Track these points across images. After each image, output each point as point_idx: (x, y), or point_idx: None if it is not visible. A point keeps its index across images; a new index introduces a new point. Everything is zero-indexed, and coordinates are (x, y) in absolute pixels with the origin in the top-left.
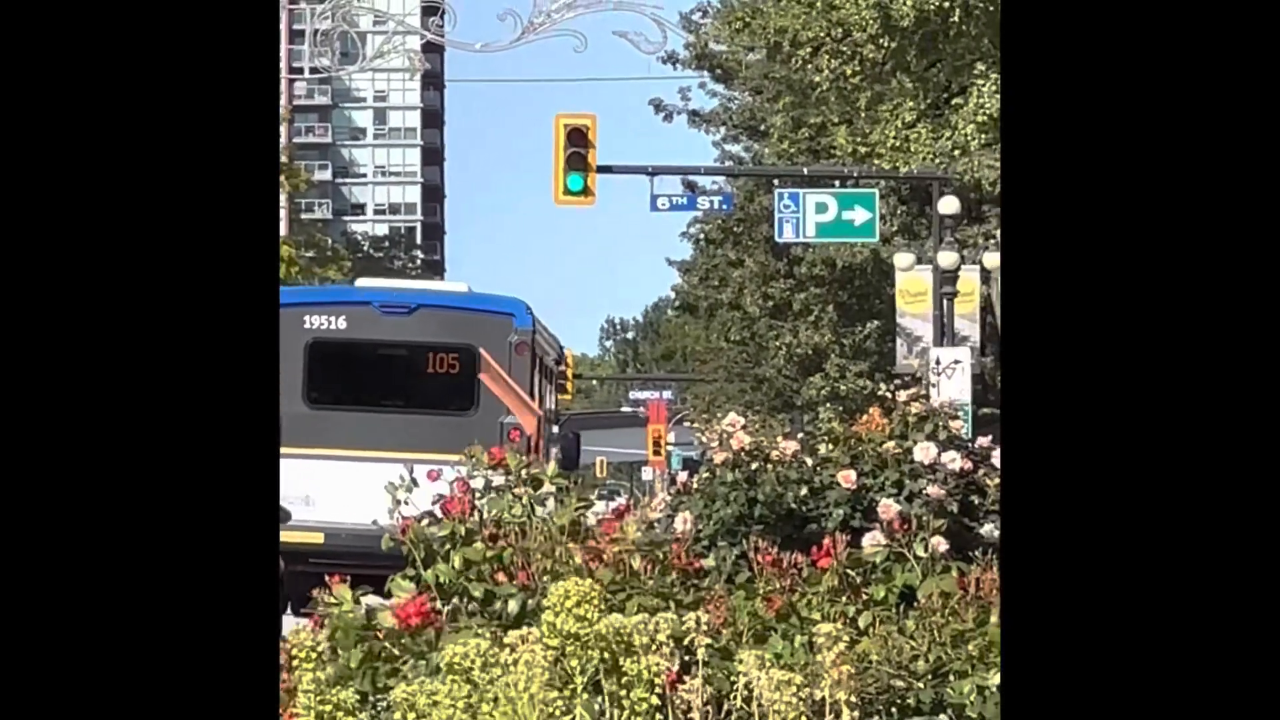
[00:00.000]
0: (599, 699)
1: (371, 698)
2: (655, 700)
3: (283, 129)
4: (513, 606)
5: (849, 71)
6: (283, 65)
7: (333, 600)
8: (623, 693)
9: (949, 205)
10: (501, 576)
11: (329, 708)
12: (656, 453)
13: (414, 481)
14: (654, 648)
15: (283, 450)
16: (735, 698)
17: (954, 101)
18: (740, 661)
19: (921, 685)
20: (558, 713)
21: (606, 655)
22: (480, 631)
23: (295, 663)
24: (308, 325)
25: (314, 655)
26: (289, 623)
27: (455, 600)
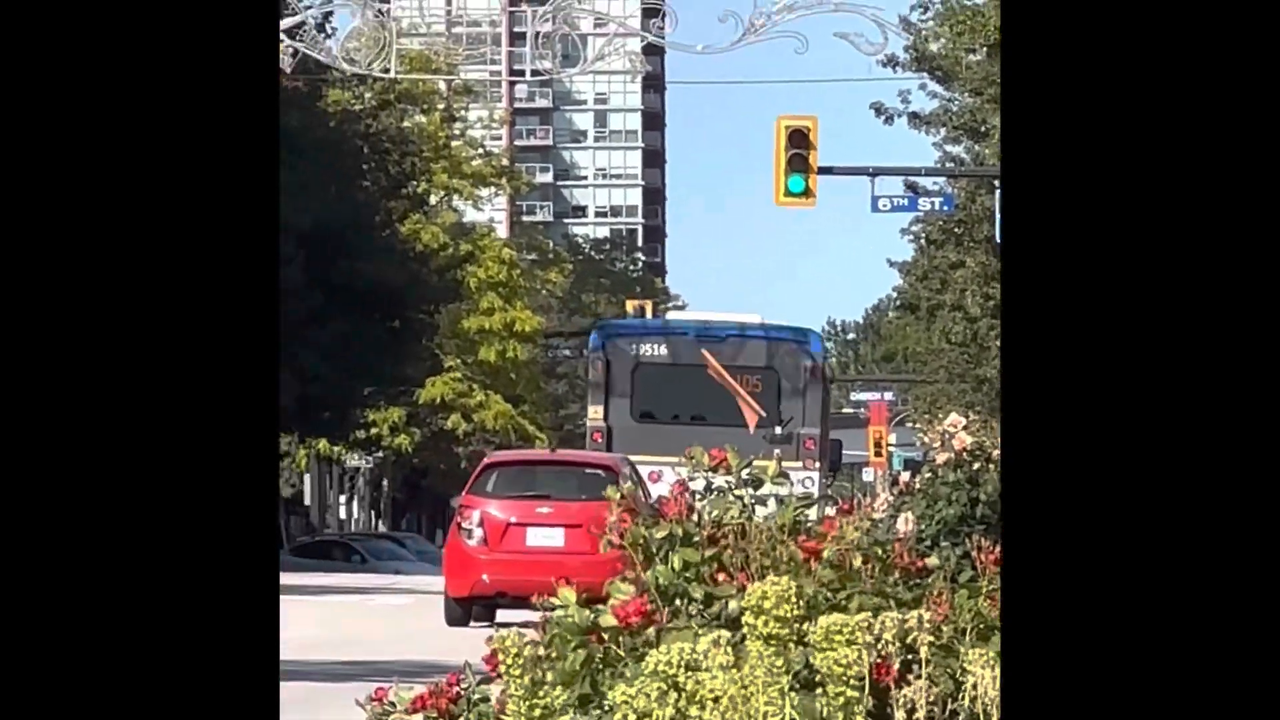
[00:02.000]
0: (811, 695)
1: (593, 699)
2: (869, 701)
3: (504, 132)
4: (733, 607)
5: None
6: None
7: (557, 602)
8: (835, 690)
9: None
10: (722, 577)
11: (538, 713)
12: (878, 454)
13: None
14: (876, 645)
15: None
16: (962, 696)
17: None
18: (965, 660)
19: None
20: (771, 712)
21: (816, 653)
22: (700, 632)
23: (503, 668)
24: (634, 352)
25: (520, 660)
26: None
27: (676, 602)
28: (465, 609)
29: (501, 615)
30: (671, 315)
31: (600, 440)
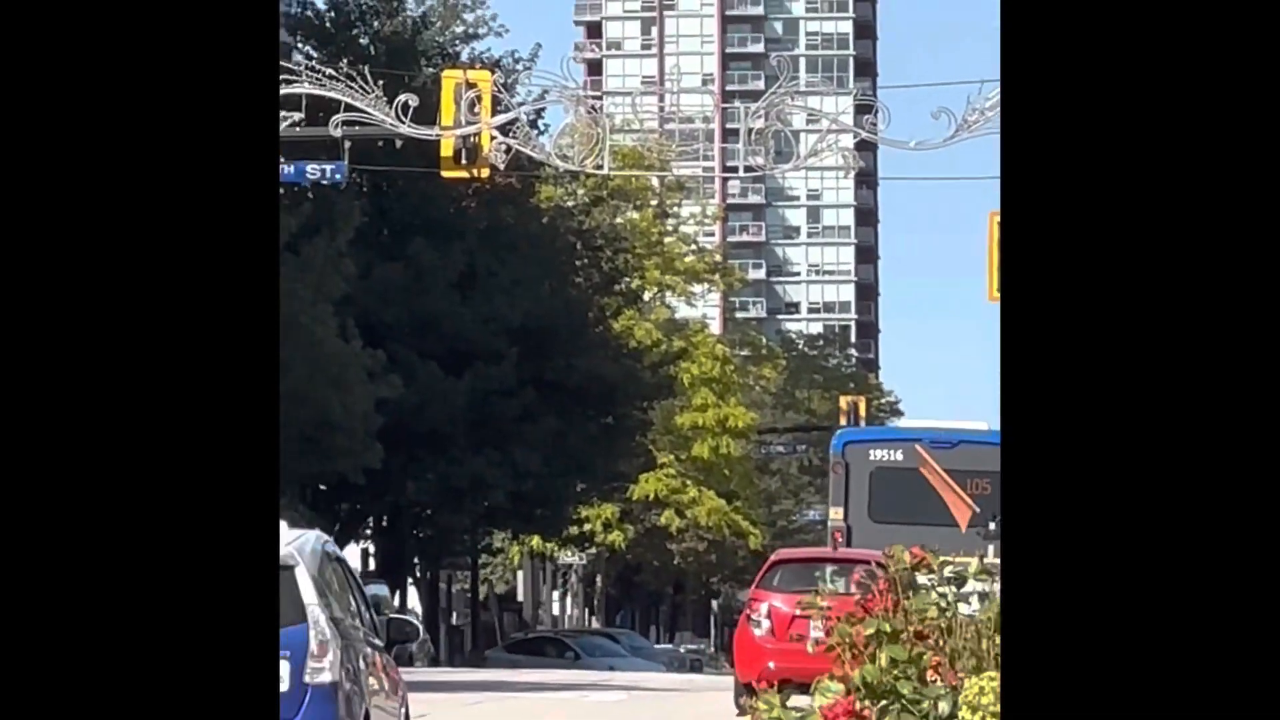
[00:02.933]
0: None
1: None
2: None
3: (716, 228)
4: (943, 708)
5: None
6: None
7: (763, 706)
8: None
9: None
10: (932, 674)
11: None
12: None
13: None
14: None
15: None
16: None
17: None
18: None
19: None
20: None
21: None
22: None
23: None
24: (872, 457)
25: None
26: None
27: (884, 701)
28: (751, 693)
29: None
30: (906, 423)
31: (841, 539)
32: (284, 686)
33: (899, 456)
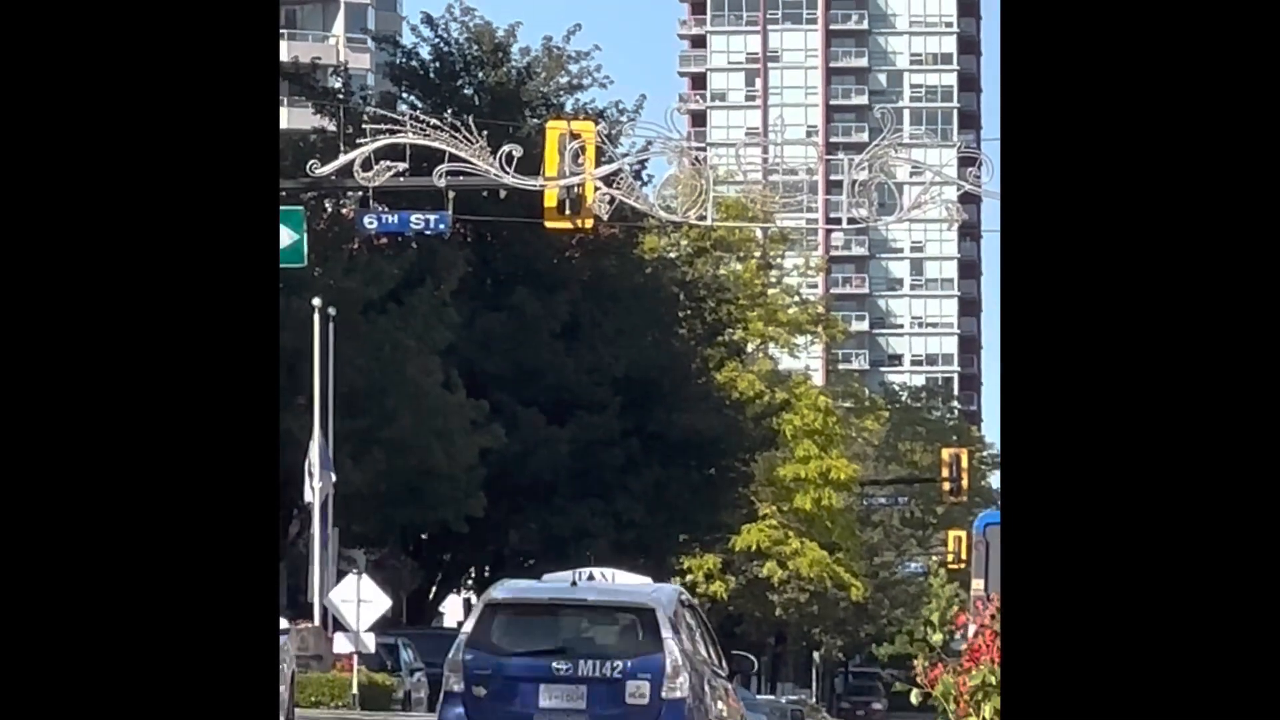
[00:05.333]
0: None
1: None
2: None
3: (820, 279)
4: None
5: None
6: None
7: None
8: None
9: None
10: None
11: None
12: None
13: None
14: None
15: None
16: None
17: None
18: None
19: None
20: None
21: None
22: None
23: None
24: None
25: None
26: None
27: None
28: None
29: None
30: None
31: (981, 608)
32: (644, 702)
33: None
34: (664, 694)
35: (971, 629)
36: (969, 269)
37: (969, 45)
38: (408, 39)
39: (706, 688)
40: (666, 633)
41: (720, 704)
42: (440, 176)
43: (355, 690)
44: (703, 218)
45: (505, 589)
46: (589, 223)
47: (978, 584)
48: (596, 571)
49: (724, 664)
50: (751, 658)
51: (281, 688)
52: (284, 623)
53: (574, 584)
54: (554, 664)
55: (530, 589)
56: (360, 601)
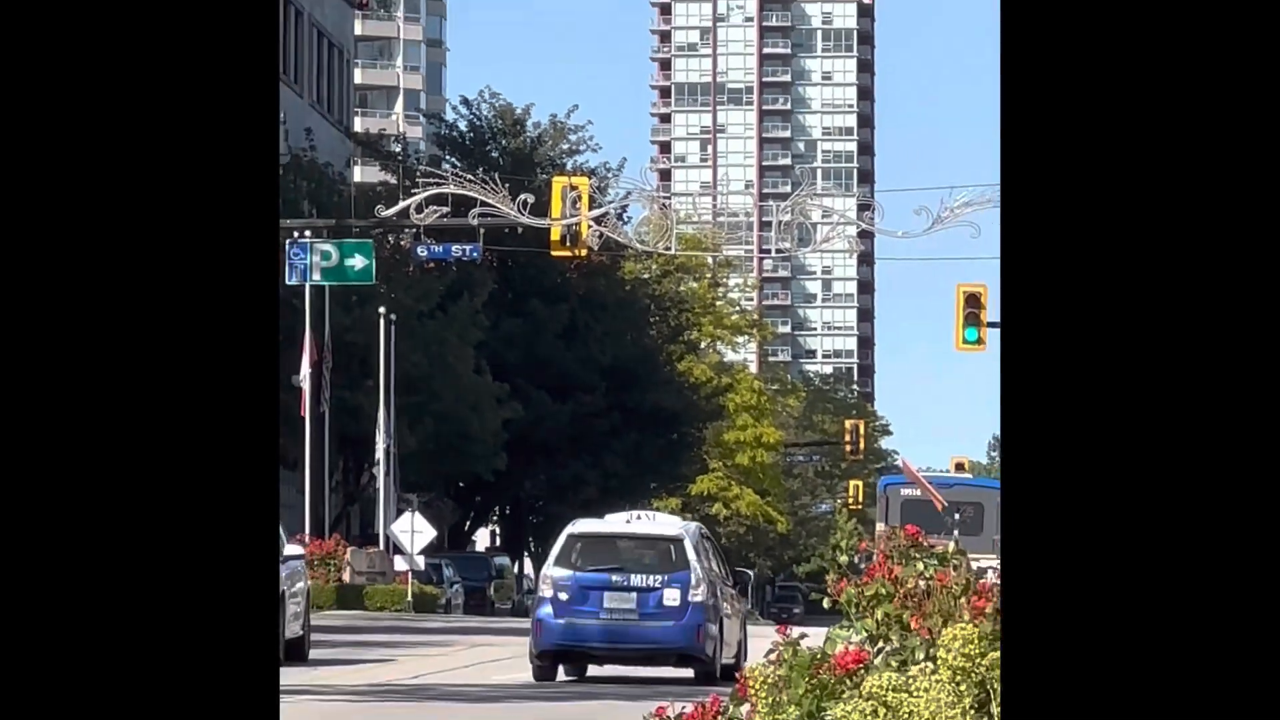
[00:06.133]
0: (981, 713)
1: (817, 716)
2: None
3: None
4: (919, 654)
5: None
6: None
7: (786, 644)
8: (999, 710)
9: None
10: (915, 624)
11: None
12: None
13: None
14: None
15: None
16: None
17: None
18: None
19: None
20: None
21: (989, 684)
22: (895, 667)
23: (751, 692)
24: (902, 494)
25: (765, 687)
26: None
27: (879, 645)
28: None
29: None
30: (929, 474)
31: (883, 541)
32: (676, 604)
33: (916, 493)
34: (689, 599)
35: (874, 556)
36: (865, 286)
37: (865, 120)
38: (450, 115)
39: (718, 594)
40: (691, 556)
41: (727, 605)
42: (474, 217)
43: (410, 598)
44: (668, 249)
45: (580, 525)
46: (584, 252)
47: (880, 526)
48: (643, 513)
49: (730, 577)
50: (749, 572)
51: (298, 603)
52: (354, 546)
53: (628, 521)
54: (613, 577)
55: (597, 525)
56: (414, 532)
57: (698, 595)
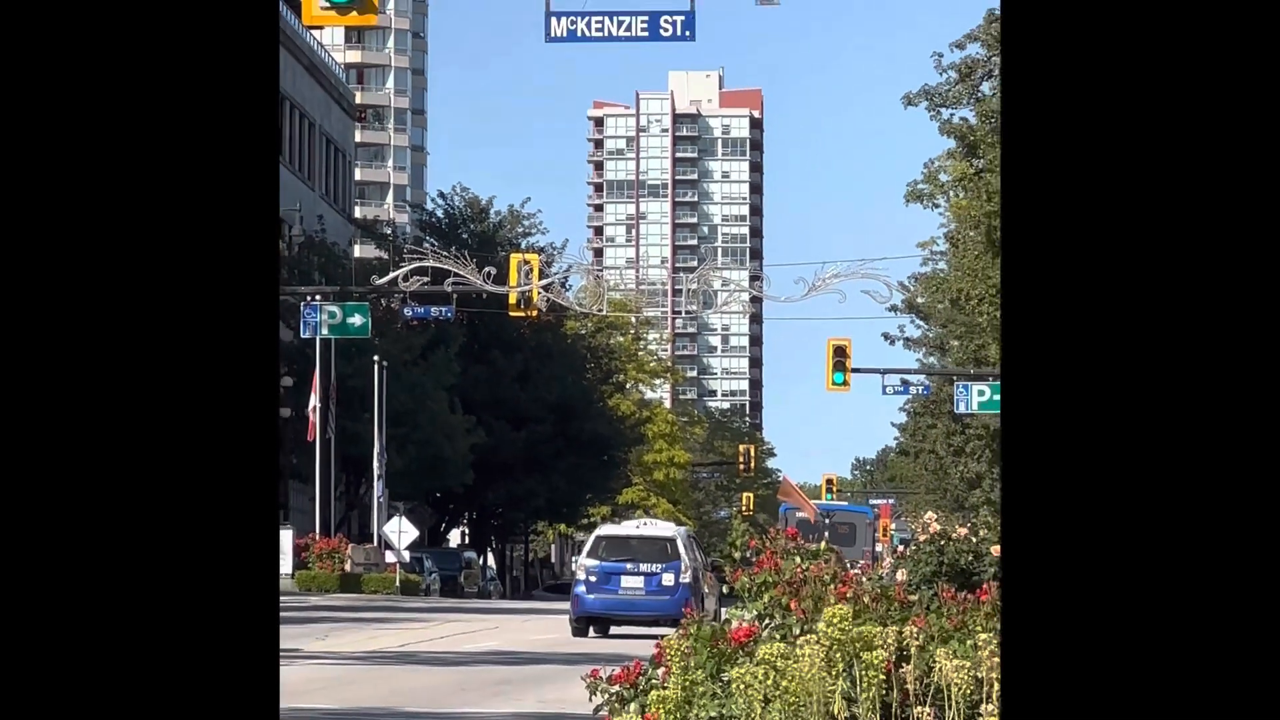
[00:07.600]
0: (853, 677)
1: (717, 678)
2: (882, 677)
3: (668, 346)
4: (796, 630)
5: (999, 314)
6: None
7: (692, 621)
8: (864, 673)
9: None
10: (793, 606)
11: (686, 684)
12: (884, 534)
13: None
14: (882, 646)
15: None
16: (933, 675)
17: None
18: (934, 654)
19: None
20: (827, 687)
21: (854, 651)
22: (779, 639)
23: (668, 655)
24: (797, 516)
25: (679, 653)
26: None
27: (768, 620)
28: None
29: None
30: (824, 504)
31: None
32: (671, 584)
33: (808, 516)
34: (680, 581)
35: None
36: (755, 340)
37: (756, 210)
38: (430, 205)
39: (699, 578)
40: (682, 550)
41: (705, 586)
42: (448, 285)
43: (398, 584)
44: (600, 310)
45: (604, 529)
46: (535, 313)
47: None
48: (648, 521)
49: (708, 566)
50: (720, 561)
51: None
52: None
53: (638, 526)
54: (627, 565)
55: (616, 529)
56: (401, 532)
57: (686, 578)
